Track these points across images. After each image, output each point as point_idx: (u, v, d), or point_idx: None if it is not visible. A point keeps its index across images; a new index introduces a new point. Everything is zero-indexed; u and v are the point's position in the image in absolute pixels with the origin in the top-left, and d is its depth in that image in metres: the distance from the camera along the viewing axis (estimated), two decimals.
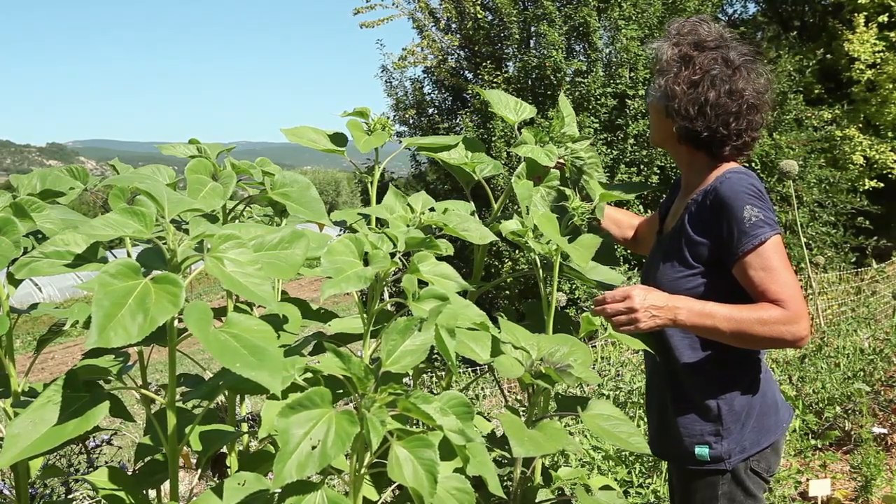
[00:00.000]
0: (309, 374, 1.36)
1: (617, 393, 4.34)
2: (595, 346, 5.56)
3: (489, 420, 2.01)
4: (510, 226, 1.81)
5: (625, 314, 1.69)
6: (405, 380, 1.66)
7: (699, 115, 1.76)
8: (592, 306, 1.75)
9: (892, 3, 12.77)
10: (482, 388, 5.53)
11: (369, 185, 1.95)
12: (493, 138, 9.85)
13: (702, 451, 1.80)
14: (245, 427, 1.89)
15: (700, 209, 1.78)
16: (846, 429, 4.40)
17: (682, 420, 1.83)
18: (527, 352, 1.68)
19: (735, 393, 1.80)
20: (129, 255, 1.28)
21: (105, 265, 1.16)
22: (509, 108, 2.03)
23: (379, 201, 1.87)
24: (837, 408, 4.43)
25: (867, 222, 11.92)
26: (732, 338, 1.69)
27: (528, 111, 2.03)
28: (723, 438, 1.79)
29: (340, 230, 1.88)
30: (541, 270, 1.87)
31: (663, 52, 1.81)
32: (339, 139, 1.94)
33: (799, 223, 7.97)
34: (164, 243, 1.25)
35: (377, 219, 1.89)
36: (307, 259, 1.41)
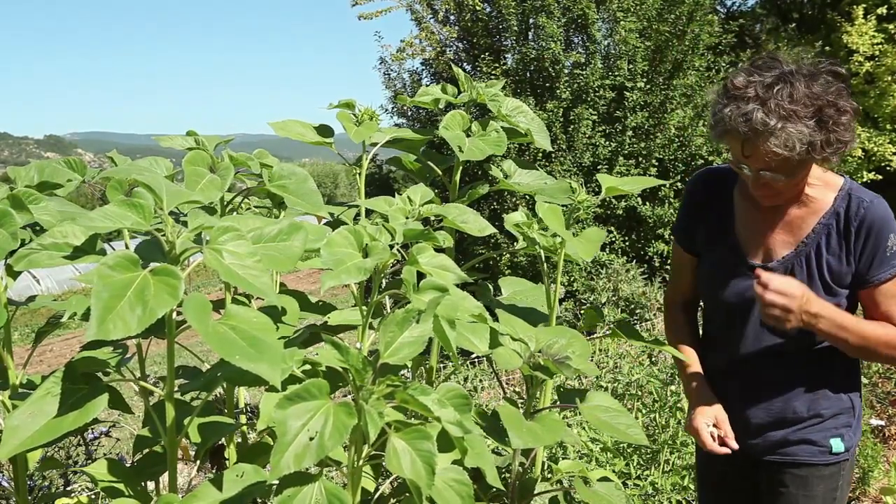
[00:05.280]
0: (307, 366, 1.35)
1: (615, 385, 4.34)
2: (593, 338, 5.56)
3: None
4: (515, 217, 1.80)
5: (780, 309, 1.60)
6: (403, 372, 1.66)
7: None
8: (756, 281, 1.61)
9: None
10: (480, 381, 5.53)
11: (357, 177, 1.95)
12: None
13: (837, 443, 1.75)
14: (243, 419, 1.89)
15: (844, 234, 1.68)
16: None
17: (818, 412, 1.75)
18: (525, 344, 1.68)
19: (857, 382, 1.79)
20: (127, 247, 1.28)
21: (104, 257, 1.16)
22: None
23: (376, 194, 1.87)
24: None
25: None
26: (855, 350, 1.68)
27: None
28: (851, 428, 1.77)
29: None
30: (545, 264, 1.87)
31: (800, 133, 1.54)
32: (325, 131, 1.93)
33: None
34: (163, 235, 1.24)
35: (368, 210, 1.88)
36: (305, 251, 1.40)
